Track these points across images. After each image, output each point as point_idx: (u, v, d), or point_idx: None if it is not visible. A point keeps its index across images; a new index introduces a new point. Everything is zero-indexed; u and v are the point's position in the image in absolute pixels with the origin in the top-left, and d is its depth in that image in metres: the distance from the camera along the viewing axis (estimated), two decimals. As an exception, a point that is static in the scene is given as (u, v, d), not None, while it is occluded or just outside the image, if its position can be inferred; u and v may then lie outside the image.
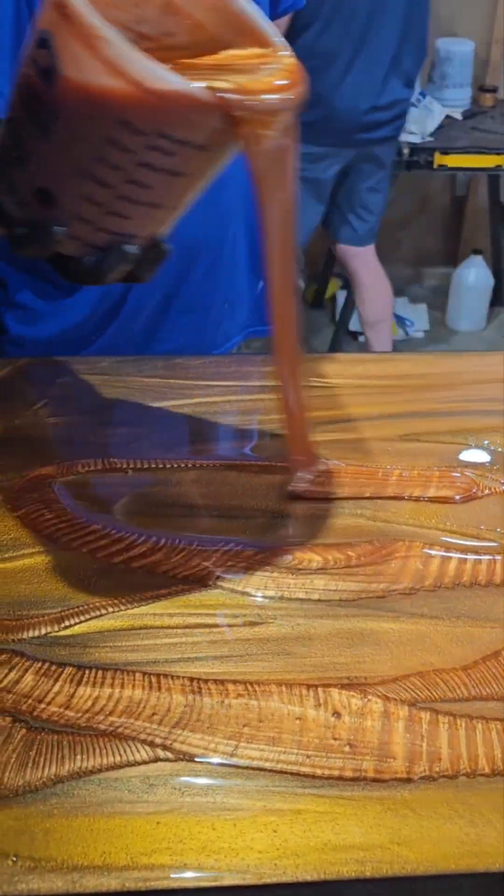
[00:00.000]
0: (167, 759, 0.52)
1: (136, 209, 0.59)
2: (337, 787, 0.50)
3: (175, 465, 0.77)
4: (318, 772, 0.51)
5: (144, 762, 0.51)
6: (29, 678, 0.56)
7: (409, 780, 0.51)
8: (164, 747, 0.52)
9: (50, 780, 0.50)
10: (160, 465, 0.77)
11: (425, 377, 0.93)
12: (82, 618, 0.61)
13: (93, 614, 0.62)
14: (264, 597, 0.64)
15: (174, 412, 0.85)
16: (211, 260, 1.04)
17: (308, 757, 0.52)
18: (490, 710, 0.56)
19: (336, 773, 0.51)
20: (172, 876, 0.45)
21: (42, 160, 0.58)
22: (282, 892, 0.46)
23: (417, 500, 0.74)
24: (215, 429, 0.85)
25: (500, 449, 0.81)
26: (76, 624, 0.61)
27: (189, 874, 0.46)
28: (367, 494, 0.75)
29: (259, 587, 0.65)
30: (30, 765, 0.51)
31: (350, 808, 0.49)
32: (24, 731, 0.53)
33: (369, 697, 0.56)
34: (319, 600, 0.64)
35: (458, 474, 0.77)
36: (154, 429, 0.83)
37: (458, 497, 0.75)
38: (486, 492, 0.76)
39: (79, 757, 0.51)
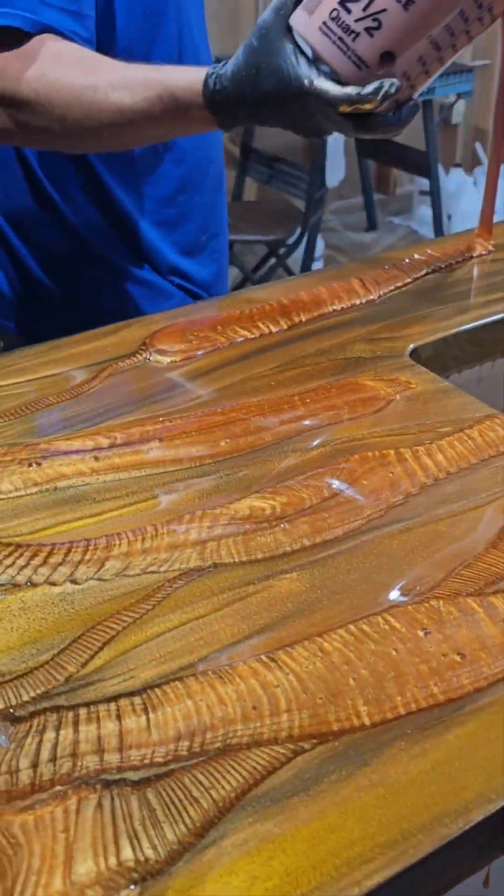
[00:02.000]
0: (302, 750, 0.45)
1: (438, 70, 0.74)
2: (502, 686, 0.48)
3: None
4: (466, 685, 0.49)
5: (285, 761, 0.45)
6: (88, 730, 0.47)
7: None
8: (291, 738, 0.46)
9: (201, 826, 0.42)
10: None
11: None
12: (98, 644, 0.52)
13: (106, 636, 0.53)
14: (284, 553, 0.59)
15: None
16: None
17: (440, 682, 0.49)
18: (549, 570, 0.56)
19: (472, 686, 0.49)
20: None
21: (398, 28, 0.70)
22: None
23: (340, 422, 0.72)
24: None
25: (375, 354, 0.81)
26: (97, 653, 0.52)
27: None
28: (290, 430, 0.71)
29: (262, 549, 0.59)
30: (166, 822, 0.42)
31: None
32: (129, 790, 0.44)
33: (440, 603, 0.54)
34: (325, 541, 0.60)
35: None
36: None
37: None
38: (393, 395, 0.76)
39: (212, 791, 0.43)
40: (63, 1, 0.85)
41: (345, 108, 0.72)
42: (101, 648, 0.52)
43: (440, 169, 3.91)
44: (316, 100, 0.73)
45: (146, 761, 0.45)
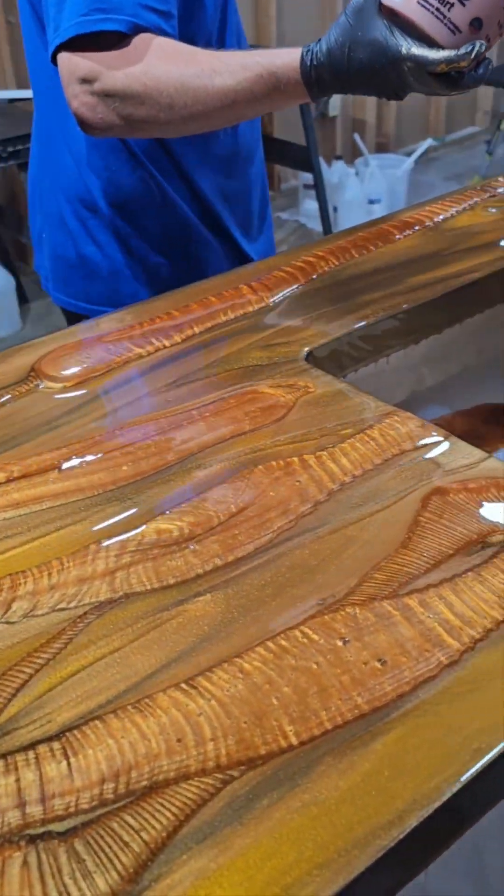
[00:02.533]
0: (231, 779, 0.45)
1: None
2: (425, 688, 0.49)
3: None
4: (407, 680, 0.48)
5: (215, 792, 0.44)
6: (7, 783, 0.45)
7: (469, 650, 0.50)
8: (219, 767, 0.45)
9: (134, 871, 0.41)
10: None
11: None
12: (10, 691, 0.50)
13: (18, 682, 0.51)
14: (197, 575, 0.58)
15: None
16: None
17: (363, 691, 0.49)
18: (458, 564, 0.57)
19: (395, 692, 0.49)
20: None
21: (496, 11, 0.85)
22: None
23: (242, 434, 0.72)
24: None
25: (271, 360, 0.81)
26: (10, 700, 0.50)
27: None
28: (192, 447, 0.70)
29: (176, 572, 0.58)
30: (98, 872, 0.41)
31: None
32: (55, 843, 0.42)
33: (356, 610, 0.54)
34: (236, 559, 0.59)
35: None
36: None
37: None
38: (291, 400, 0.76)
39: (143, 833, 0.42)
40: (157, 2, 0.98)
41: (442, 69, 0.85)
42: (13, 695, 0.50)
43: (322, 162, 3.95)
44: (413, 65, 0.86)
45: (71, 809, 0.44)
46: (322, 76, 0.91)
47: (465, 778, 0.44)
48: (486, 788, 0.46)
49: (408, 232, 1.07)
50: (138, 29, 0.95)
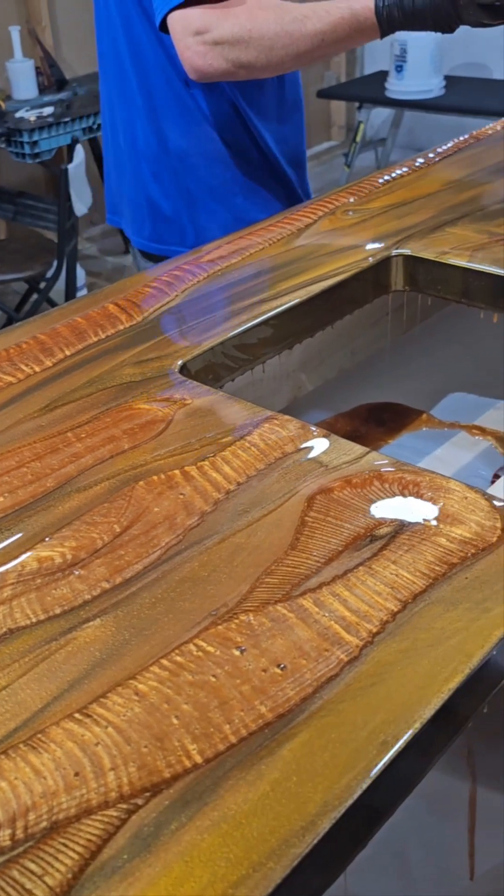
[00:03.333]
0: (136, 808, 0.43)
1: None
2: (328, 688, 0.48)
3: None
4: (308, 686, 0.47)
5: (120, 823, 0.42)
6: None
7: (368, 645, 0.50)
8: (122, 797, 0.43)
9: (38, 919, 0.38)
10: None
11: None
12: None
13: None
14: (84, 602, 0.55)
15: None
16: None
17: (266, 699, 0.47)
18: (348, 560, 0.57)
19: (298, 696, 0.48)
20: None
21: None
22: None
23: (122, 453, 0.70)
24: None
25: (145, 376, 0.80)
26: None
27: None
28: (71, 471, 0.68)
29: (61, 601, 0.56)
30: (-1, 926, 0.38)
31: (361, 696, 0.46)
32: (-48, 903, 0.39)
33: (250, 617, 0.53)
34: (125, 580, 0.57)
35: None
36: None
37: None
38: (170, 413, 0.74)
39: (46, 878, 0.40)
40: None
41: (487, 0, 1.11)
42: None
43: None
44: (467, 0, 1.13)
45: (-34, 864, 0.41)
46: (392, 14, 1.18)
47: (374, 773, 0.43)
48: (397, 780, 0.46)
49: (272, 239, 1.08)
50: None
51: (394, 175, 1.25)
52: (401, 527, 0.60)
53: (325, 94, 4.44)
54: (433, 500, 0.62)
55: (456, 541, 0.58)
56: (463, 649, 0.50)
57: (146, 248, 1.49)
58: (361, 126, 4.30)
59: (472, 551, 0.57)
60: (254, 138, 1.40)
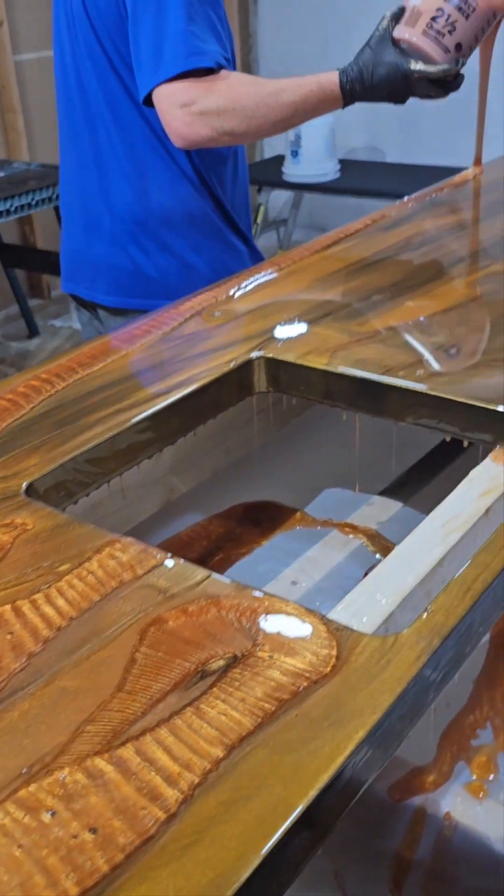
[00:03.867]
0: None
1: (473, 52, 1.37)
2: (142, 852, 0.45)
3: None
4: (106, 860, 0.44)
5: None
6: None
7: (188, 799, 0.47)
8: None
9: None
10: None
11: None
12: None
13: None
14: None
15: None
16: None
17: (72, 872, 0.44)
18: (177, 700, 0.54)
19: (108, 864, 0.45)
20: None
21: (464, 30, 1.29)
22: None
23: (-48, 582, 0.67)
24: None
25: (-12, 496, 0.77)
26: None
27: None
28: None
29: None
30: None
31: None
32: None
33: (65, 773, 0.50)
34: None
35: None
36: None
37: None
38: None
39: None
40: (225, 51, 1.38)
41: (438, 76, 1.31)
42: None
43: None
44: (418, 76, 1.31)
45: None
46: (354, 87, 1.35)
47: None
48: None
49: (137, 343, 1.07)
50: (220, 67, 1.34)
51: (261, 275, 1.26)
52: (233, 660, 0.58)
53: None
54: (267, 629, 0.60)
55: (289, 673, 0.56)
56: (285, 799, 0.48)
57: (124, 304, 1.60)
58: (262, 208, 4.41)
59: (304, 684, 0.55)
60: (219, 202, 1.58)
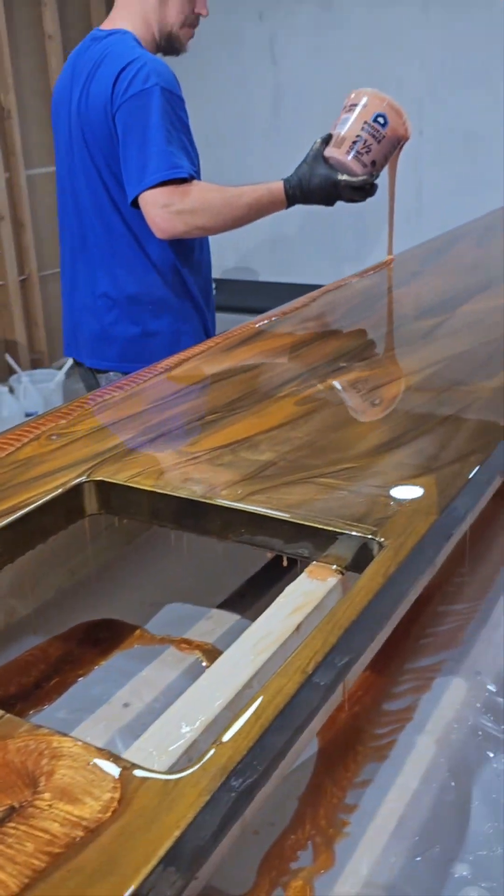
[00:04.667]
0: None
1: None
2: None
3: None
4: None
5: None
6: None
7: None
8: None
9: None
10: None
11: None
12: None
13: None
14: None
15: None
16: None
17: None
18: None
19: None
20: None
21: (377, 151, 1.68)
22: None
23: None
24: None
25: None
26: None
27: None
28: None
29: None
30: None
31: None
32: None
33: None
34: None
35: None
36: None
37: None
38: None
39: None
40: (195, 166, 1.75)
41: (359, 185, 1.68)
42: None
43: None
44: (344, 185, 1.69)
45: None
46: (295, 192, 1.73)
47: None
48: None
49: (-28, 469, 1.03)
50: (192, 177, 1.71)
51: (104, 397, 1.25)
52: (10, 811, 0.53)
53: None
54: (51, 772, 0.56)
55: (66, 822, 0.52)
56: None
57: (109, 367, 1.95)
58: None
59: (80, 834, 0.51)
60: (185, 284, 1.91)
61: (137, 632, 1.06)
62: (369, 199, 1.76)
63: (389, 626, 0.77)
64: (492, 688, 0.93)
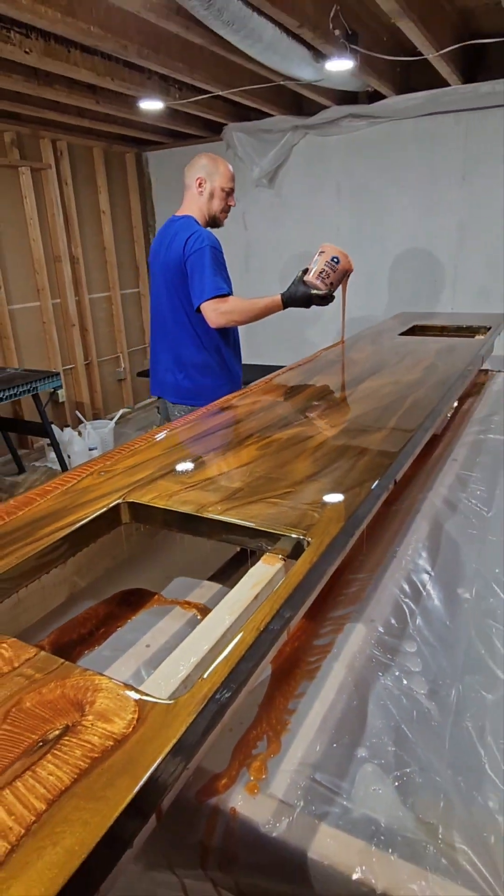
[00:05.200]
0: None
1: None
2: None
3: None
4: None
5: None
6: None
7: (14, 847, 0.40)
8: None
9: None
10: None
11: None
12: None
13: None
14: None
15: None
16: None
17: None
18: (21, 767, 0.47)
19: None
20: None
21: (335, 279, 1.90)
22: None
23: None
24: None
25: None
26: None
27: None
28: None
29: None
30: None
31: None
32: None
33: None
34: None
35: None
36: None
37: None
38: None
39: None
40: (230, 287, 1.96)
41: (324, 296, 1.88)
42: None
43: (56, 429, 3.89)
44: (315, 296, 1.88)
45: None
46: (288, 301, 1.93)
47: None
48: None
49: (50, 494, 1.02)
50: (228, 294, 1.94)
51: (133, 446, 1.24)
52: (66, 729, 0.52)
53: (143, 374, 4.57)
54: (92, 703, 0.54)
55: (102, 736, 0.51)
56: (83, 839, 0.42)
57: (177, 401, 2.11)
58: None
59: (111, 744, 0.50)
60: (229, 355, 2.09)
61: (156, 596, 1.04)
62: (327, 307, 2.04)
63: (314, 593, 0.76)
64: (381, 630, 0.92)
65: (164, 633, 0.93)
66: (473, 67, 3.46)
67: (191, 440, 1.27)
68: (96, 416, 4.58)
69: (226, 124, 4.10)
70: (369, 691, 0.80)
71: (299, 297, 1.90)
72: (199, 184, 2.04)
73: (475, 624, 0.93)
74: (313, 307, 1.98)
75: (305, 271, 1.91)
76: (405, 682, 0.81)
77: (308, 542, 0.83)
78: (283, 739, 0.73)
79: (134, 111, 3.61)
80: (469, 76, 3.44)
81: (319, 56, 2.79)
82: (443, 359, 1.86)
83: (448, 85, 3.42)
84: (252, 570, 0.83)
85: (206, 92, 3.34)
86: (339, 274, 1.91)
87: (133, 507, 0.97)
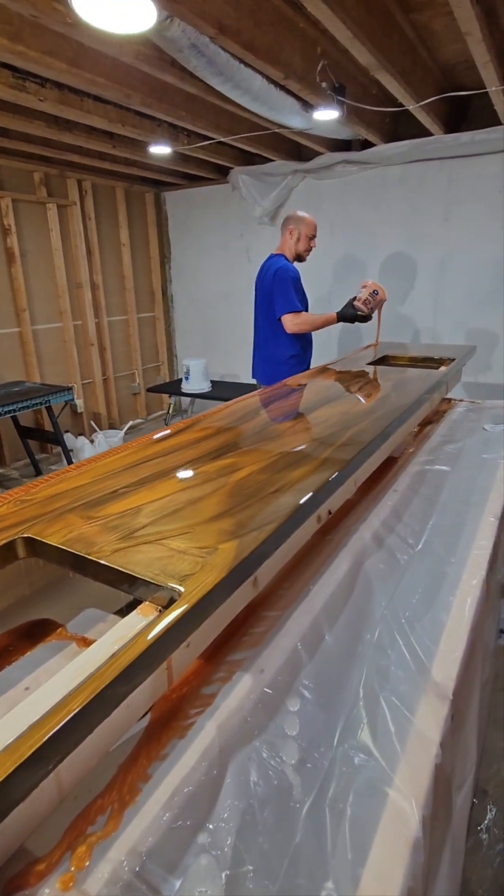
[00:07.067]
0: None
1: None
2: None
3: None
4: None
5: None
6: None
7: None
8: None
9: None
10: None
11: None
12: None
13: None
14: None
15: None
16: None
17: None
18: None
19: None
20: None
21: (375, 303, 2.34)
22: None
23: None
24: None
25: None
26: None
27: None
28: None
29: None
30: None
31: None
32: None
33: None
34: None
35: None
36: None
37: None
38: None
39: None
40: (305, 305, 2.45)
41: (366, 316, 2.32)
42: None
43: (71, 436, 3.81)
44: (360, 316, 2.32)
45: None
46: (341, 318, 2.31)
47: None
48: None
49: None
50: (301, 310, 2.34)
51: (66, 474, 1.11)
52: None
53: (153, 389, 4.48)
54: None
55: None
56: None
57: (266, 384, 2.34)
58: (171, 404, 4.35)
59: None
60: (300, 352, 2.43)
61: (59, 630, 0.92)
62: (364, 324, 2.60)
63: (172, 650, 0.63)
64: (267, 683, 0.78)
65: (48, 675, 0.81)
66: (457, 119, 3.31)
67: (124, 468, 1.14)
68: (112, 426, 4.50)
69: (232, 167, 3.99)
70: (232, 759, 0.66)
71: (349, 315, 2.33)
72: (290, 232, 2.51)
73: (366, 681, 0.78)
74: (356, 323, 2.35)
75: (354, 298, 2.33)
76: (274, 750, 0.67)
77: (180, 594, 0.70)
78: (125, 814, 0.60)
79: (147, 155, 3.52)
80: (453, 126, 3.29)
81: (307, 106, 2.66)
82: (399, 389, 1.71)
83: (432, 134, 3.26)
84: (123, 622, 0.70)
85: (211, 138, 3.23)
86: (377, 302, 2.34)
87: (30, 542, 0.84)
